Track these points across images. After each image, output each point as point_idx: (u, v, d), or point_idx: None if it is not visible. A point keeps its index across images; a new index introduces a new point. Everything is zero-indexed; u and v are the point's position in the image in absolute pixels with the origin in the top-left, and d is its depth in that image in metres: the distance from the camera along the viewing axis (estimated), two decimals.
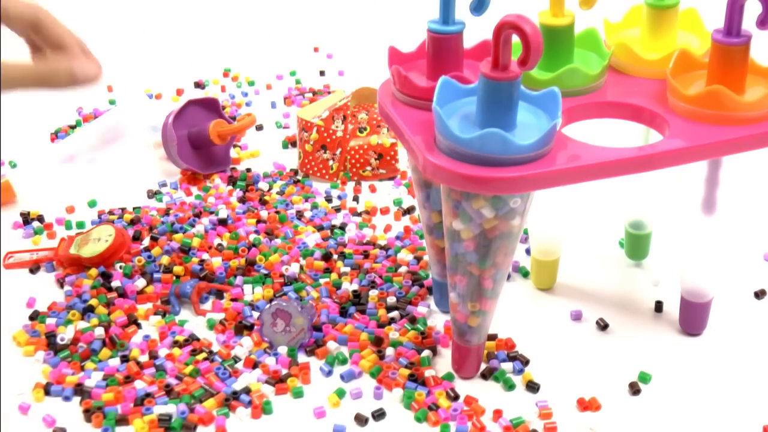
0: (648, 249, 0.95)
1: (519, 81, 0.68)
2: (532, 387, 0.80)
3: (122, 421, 0.76)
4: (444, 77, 0.72)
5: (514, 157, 0.67)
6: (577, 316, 0.88)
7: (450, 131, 0.68)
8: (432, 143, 0.71)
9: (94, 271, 0.92)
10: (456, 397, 0.78)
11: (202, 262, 0.93)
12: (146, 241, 0.97)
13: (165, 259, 0.93)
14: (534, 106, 0.72)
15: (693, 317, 0.84)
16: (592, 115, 0.78)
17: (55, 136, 1.23)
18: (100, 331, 0.85)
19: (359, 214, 1.04)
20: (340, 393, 0.79)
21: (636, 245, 0.94)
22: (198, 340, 0.85)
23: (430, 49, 0.77)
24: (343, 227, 1.00)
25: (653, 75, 0.80)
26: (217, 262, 0.93)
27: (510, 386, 0.80)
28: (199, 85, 1.36)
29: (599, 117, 0.78)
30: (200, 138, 1.09)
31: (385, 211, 1.04)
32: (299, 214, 1.02)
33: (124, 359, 0.83)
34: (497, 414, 0.76)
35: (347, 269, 0.93)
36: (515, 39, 0.67)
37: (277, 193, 1.07)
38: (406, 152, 0.75)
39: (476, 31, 0.82)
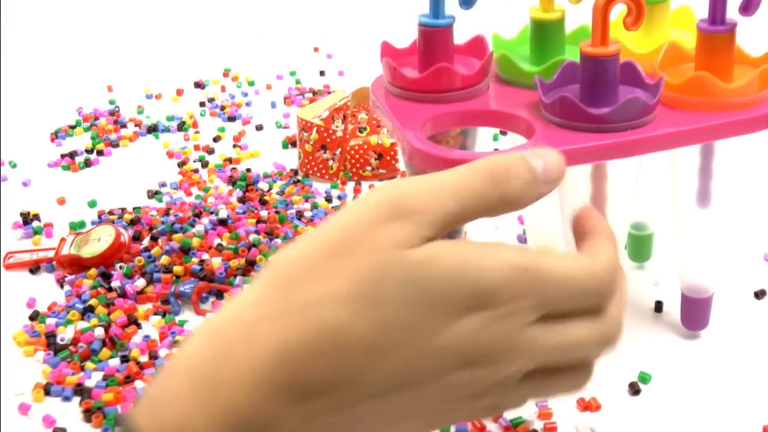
0: (650, 251, 0.94)
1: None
2: None
3: None
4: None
5: None
6: None
7: None
8: (418, 131, 0.71)
9: (94, 271, 0.92)
10: None
11: (202, 262, 0.93)
12: (146, 241, 0.97)
13: (165, 259, 0.93)
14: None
15: (695, 314, 0.84)
16: None
17: (55, 136, 1.23)
18: (100, 332, 0.85)
19: None
20: None
21: (638, 247, 0.93)
22: None
23: (421, 42, 0.77)
24: None
25: (645, 69, 0.80)
26: (217, 262, 0.93)
27: None
28: (199, 85, 1.36)
29: None
30: None
31: None
32: (299, 214, 1.02)
33: (124, 359, 0.83)
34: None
35: None
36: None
37: (277, 193, 1.07)
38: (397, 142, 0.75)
39: (475, 31, 0.82)
